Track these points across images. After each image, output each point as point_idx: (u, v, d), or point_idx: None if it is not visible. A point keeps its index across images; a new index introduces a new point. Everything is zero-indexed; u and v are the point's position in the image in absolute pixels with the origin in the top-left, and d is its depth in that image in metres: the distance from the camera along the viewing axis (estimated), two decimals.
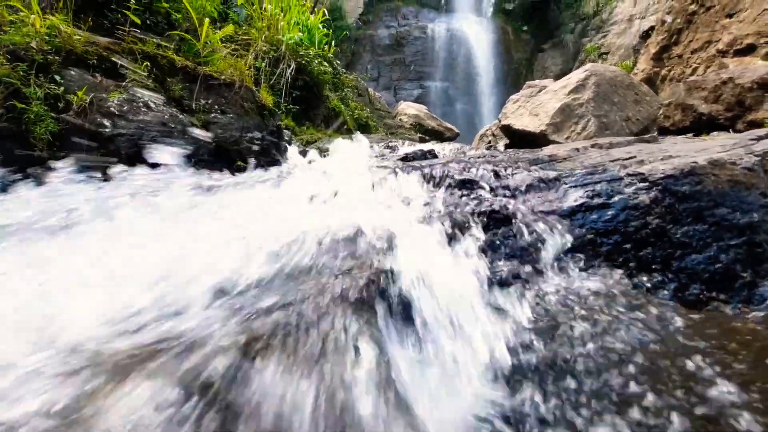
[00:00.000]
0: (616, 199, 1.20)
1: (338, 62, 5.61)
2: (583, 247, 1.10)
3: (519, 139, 4.47)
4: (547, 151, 2.29)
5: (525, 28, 14.35)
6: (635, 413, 0.61)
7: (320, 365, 0.64)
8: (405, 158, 2.77)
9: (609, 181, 1.29)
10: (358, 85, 6.47)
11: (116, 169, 1.66)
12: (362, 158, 2.68)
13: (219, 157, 2.21)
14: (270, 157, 2.56)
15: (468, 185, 1.54)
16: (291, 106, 3.86)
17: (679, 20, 5.64)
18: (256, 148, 2.46)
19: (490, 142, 5.80)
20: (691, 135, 3.33)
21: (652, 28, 7.53)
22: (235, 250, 1.10)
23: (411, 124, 6.88)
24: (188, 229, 1.39)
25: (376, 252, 0.99)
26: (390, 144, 3.88)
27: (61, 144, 1.66)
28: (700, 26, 5.36)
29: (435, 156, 2.87)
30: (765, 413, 0.57)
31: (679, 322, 0.80)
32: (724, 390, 0.60)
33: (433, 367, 0.80)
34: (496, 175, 1.57)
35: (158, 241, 1.26)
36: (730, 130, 3.29)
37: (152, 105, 2.00)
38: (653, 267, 1.06)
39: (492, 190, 1.48)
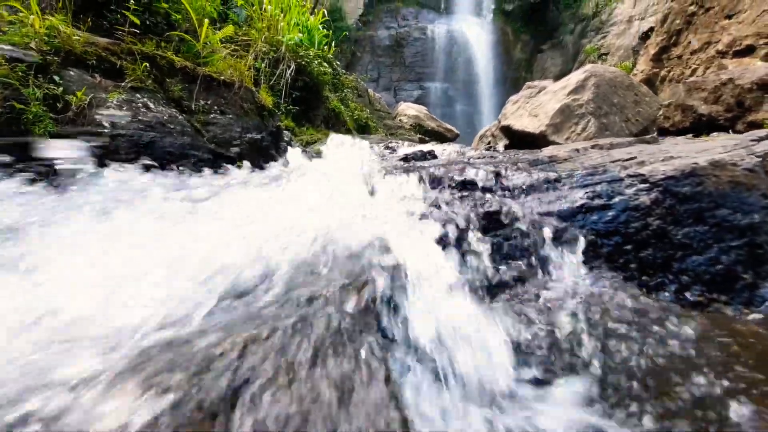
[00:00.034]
0: (616, 200, 1.19)
1: (338, 63, 5.61)
2: (584, 248, 1.10)
3: (519, 139, 4.47)
4: (547, 151, 2.29)
5: (524, 29, 14.37)
6: (637, 417, 0.61)
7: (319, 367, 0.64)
8: (405, 159, 2.77)
9: (609, 182, 1.28)
10: (358, 85, 6.47)
11: (116, 169, 1.65)
12: (362, 159, 2.67)
13: (219, 157, 2.20)
14: (270, 157, 2.55)
15: (468, 186, 1.54)
16: (291, 106, 3.86)
17: (678, 21, 5.65)
18: (255, 148, 2.46)
19: (489, 142, 5.80)
20: (690, 136, 3.33)
21: (651, 29, 7.55)
22: (235, 250, 1.10)
23: (411, 125, 6.88)
24: (188, 229, 1.39)
25: (375, 253, 0.99)
26: (390, 145, 3.88)
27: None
28: (699, 27, 5.37)
29: (435, 157, 2.87)
30: None
31: (680, 324, 0.80)
32: (727, 392, 0.60)
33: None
34: (497, 176, 1.57)
35: (158, 241, 1.26)
36: (730, 130, 3.29)
37: (152, 105, 1.99)
38: (654, 268, 1.06)
39: (492, 191, 1.48)
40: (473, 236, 1.13)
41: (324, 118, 4.40)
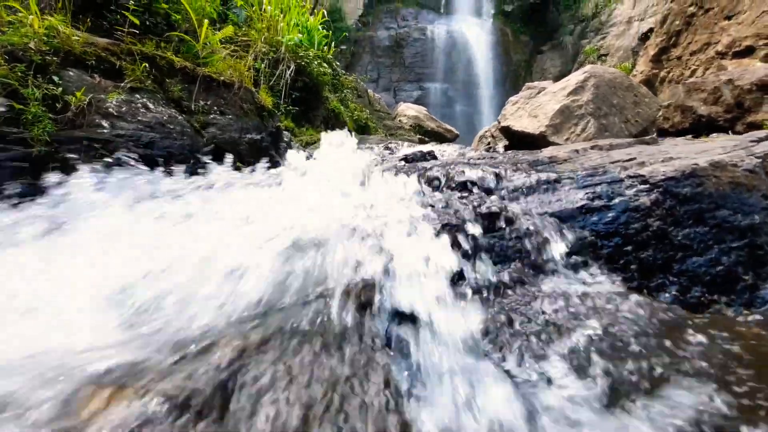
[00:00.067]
0: (616, 201, 1.19)
1: (338, 63, 5.61)
2: (584, 249, 1.10)
3: (518, 140, 4.47)
4: (547, 152, 2.29)
5: (524, 29, 14.38)
6: (638, 422, 0.61)
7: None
8: (405, 159, 2.77)
9: (609, 183, 1.28)
10: (358, 86, 6.47)
11: (115, 171, 1.65)
12: (362, 160, 2.67)
13: (218, 157, 2.20)
14: (269, 158, 2.55)
15: (468, 187, 1.54)
16: (290, 107, 3.86)
17: (678, 22, 5.66)
18: (255, 149, 2.45)
19: (489, 143, 5.80)
20: (690, 136, 3.33)
21: (651, 29, 7.56)
22: (235, 250, 1.10)
23: (410, 126, 6.88)
24: (189, 229, 1.39)
25: (374, 256, 0.98)
26: (389, 145, 3.88)
27: (59, 145, 1.65)
28: (699, 28, 5.37)
29: (434, 157, 2.87)
30: None
31: (681, 326, 0.79)
32: (731, 398, 0.59)
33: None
34: (496, 176, 1.56)
35: (158, 241, 1.26)
36: (730, 131, 3.29)
37: (151, 106, 1.99)
38: (654, 269, 1.06)
39: (492, 191, 1.48)
40: (473, 237, 1.12)
41: (324, 119, 4.39)
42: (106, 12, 2.27)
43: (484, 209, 1.19)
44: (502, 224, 1.16)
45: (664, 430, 0.58)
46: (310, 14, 4.84)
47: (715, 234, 1.08)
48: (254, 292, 0.90)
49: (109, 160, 1.67)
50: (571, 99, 4.18)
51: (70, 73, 1.81)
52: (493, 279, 0.99)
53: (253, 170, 2.29)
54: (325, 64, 4.57)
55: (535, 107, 4.47)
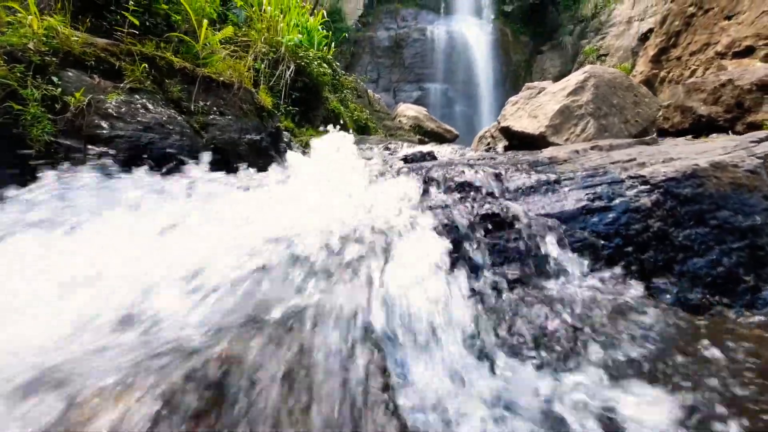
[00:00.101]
0: (617, 201, 1.19)
1: (338, 64, 5.61)
2: (585, 250, 1.09)
3: (518, 140, 4.46)
4: (547, 153, 2.28)
5: (524, 30, 14.39)
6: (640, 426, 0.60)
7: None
8: (404, 160, 2.76)
9: (610, 183, 1.28)
10: (358, 86, 6.47)
11: (113, 171, 1.65)
12: (362, 160, 2.67)
13: (218, 158, 2.20)
14: (269, 158, 2.55)
15: (468, 188, 1.53)
16: (290, 107, 3.86)
17: (677, 22, 5.66)
18: (255, 149, 2.45)
19: (489, 143, 5.80)
20: (690, 137, 3.33)
21: (650, 30, 7.56)
22: (237, 251, 1.10)
23: (410, 126, 6.88)
24: (190, 230, 1.39)
25: (373, 258, 0.98)
26: (389, 145, 3.88)
27: (58, 146, 1.65)
28: (698, 28, 5.37)
29: (434, 158, 2.87)
30: None
31: (682, 327, 0.79)
32: (731, 401, 0.59)
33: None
34: (496, 177, 1.56)
35: (158, 242, 1.25)
36: (730, 131, 3.29)
37: (150, 106, 1.99)
38: (655, 270, 1.05)
39: (492, 192, 1.47)
40: (472, 238, 1.12)
41: (324, 119, 4.39)
42: (106, 12, 2.27)
43: (484, 211, 1.18)
44: (502, 225, 1.16)
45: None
46: (310, 15, 4.84)
47: (716, 235, 1.07)
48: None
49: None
50: (570, 99, 4.18)
51: (70, 73, 1.80)
52: (494, 280, 0.98)
53: (253, 170, 2.29)
54: (325, 65, 4.57)
55: (534, 107, 4.46)
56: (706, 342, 0.72)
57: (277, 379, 0.63)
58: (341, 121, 4.55)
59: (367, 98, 6.61)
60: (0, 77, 1.56)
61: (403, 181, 1.64)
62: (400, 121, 7.01)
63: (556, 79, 6.95)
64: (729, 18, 5.07)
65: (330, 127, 2.63)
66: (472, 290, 0.97)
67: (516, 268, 1.00)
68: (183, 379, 0.59)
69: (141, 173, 1.69)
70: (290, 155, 2.69)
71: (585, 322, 0.83)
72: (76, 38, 1.88)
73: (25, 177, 1.51)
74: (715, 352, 0.70)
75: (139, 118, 1.89)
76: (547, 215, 1.25)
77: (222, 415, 0.58)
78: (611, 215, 1.16)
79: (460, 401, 0.71)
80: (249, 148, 2.43)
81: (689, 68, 5.47)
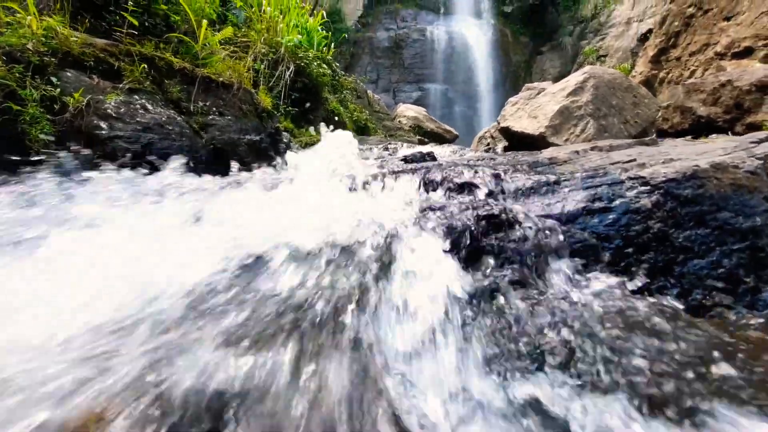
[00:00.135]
0: (617, 202, 1.19)
1: (337, 64, 5.61)
2: (585, 251, 1.09)
3: (518, 141, 4.47)
4: (547, 153, 2.28)
5: (523, 30, 14.41)
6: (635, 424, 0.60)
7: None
8: (404, 160, 2.76)
9: (610, 184, 1.28)
10: (357, 87, 6.47)
11: (111, 172, 1.64)
12: (361, 161, 2.67)
13: (217, 159, 2.19)
14: (269, 158, 2.54)
15: (467, 188, 1.53)
16: (290, 108, 3.86)
17: (677, 23, 5.67)
18: (254, 150, 2.45)
19: (488, 144, 5.80)
20: (689, 137, 3.33)
21: (650, 30, 7.57)
22: (238, 251, 1.10)
23: (410, 126, 6.88)
24: (191, 231, 1.38)
25: (372, 259, 0.98)
26: (389, 146, 3.88)
27: (56, 146, 1.65)
28: (698, 29, 5.38)
29: (434, 158, 2.86)
30: None
31: (683, 329, 0.79)
32: (734, 406, 0.59)
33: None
34: (496, 178, 1.56)
35: (158, 242, 1.25)
36: (729, 132, 3.29)
37: (150, 107, 1.98)
38: (655, 272, 1.05)
39: (491, 193, 1.47)
40: (471, 240, 1.12)
41: (323, 120, 4.39)
42: (105, 13, 2.27)
43: (483, 212, 1.18)
44: (502, 226, 1.16)
45: None
46: (310, 15, 4.84)
47: (717, 236, 1.07)
48: None
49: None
50: (570, 100, 4.18)
51: (68, 74, 1.80)
52: (494, 282, 0.98)
53: (252, 171, 2.29)
54: (324, 65, 4.56)
55: (534, 108, 4.46)
56: (706, 345, 0.72)
57: None
58: (339, 121, 4.55)
59: (366, 99, 6.61)
60: None
61: (402, 181, 1.63)
62: (399, 121, 7.01)
63: (556, 79, 6.95)
64: (728, 19, 5.07)
65: (327, 126, 2.63)
66: (471, 292, 0.96)
67: (516, 269, 1.00)
68: None
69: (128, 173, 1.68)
70: (289, 155, 2.69)
71: (584, 324, 0.83)
72: (75, 39, 1.88)
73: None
74: (715, 355, 0.69)
75: (138, 119, 1.89)
76: (547, 216, 1.24)
77: None
78: (611, 216, 1.16)
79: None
80: (248, 149, 2.42)
81: (688, 69, 5.48)
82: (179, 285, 0.92)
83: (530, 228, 1.10)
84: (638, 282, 1.03)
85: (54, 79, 1.72)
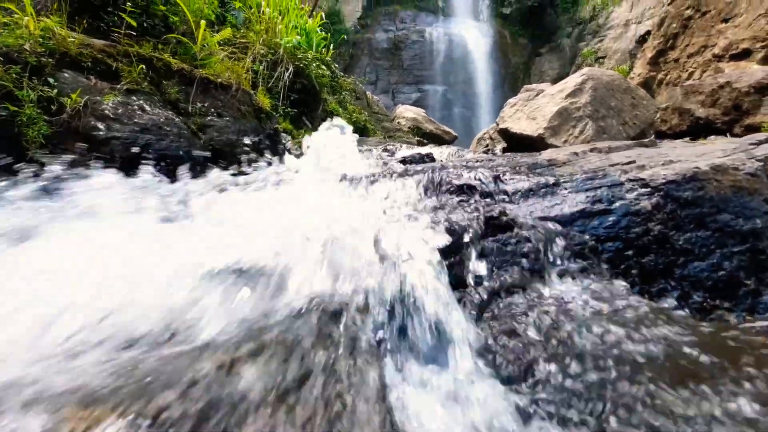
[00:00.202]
0: (617, 204, 1.18)
1: (336, 66, 5.61)
2: (585, 254, 1.09)
3: (517, 142, 4.47)
4: (546, 155, 2.28)
5: (522, 32, 14.44)
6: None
7: None
8: (403, 161, 2.76)
9: (610, 186, 1.27)
10: (356, 88, 6.46)
11: (108, 173, 1.63)
12: (360, 161, 2.67)
13: (215, 160, 2.19)
14: (267, 160, 2.53)
15: (466, 190, 1.52)
16: (289, 109, 3.85)
17: (675, 25, 5.68)
18: (253, 151, 2.44)
19: (487, 145, 5.80)
20: (688, 139, 3.34)
21: (648, 32, 7.59)
22: (237, 251, 1.09)
23: (409, 128, 6.88)
24: (192, 231, 1.38)
25: (370, 261, 0.97)
26: (388, 147, 3.87)
27: (54, 147, 1.64)
28: (696, 31, 5.40)
29: (433, 159, 2.86)
30: None
31: (683, 332, 0.78)
32: (743, 412, 0.58)
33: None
34: (495, 179, 1.55)
35: (157, 243, 1.24)
36: (728, 134, 3.30)
37: (147, 108, 1.97)
38: (656, 274, 1.04)
39: (491, 195, 1.46)
40: (470, 241, 1.11)
41: (322, 121, 4.37)
42: (103, 14, 2.26)
43: (482, 213, 1.18)
44: (501, 228, 1.15)
45: None
46: (309, 16, 4.83)
47: (717, 238, 1.07)
48: None
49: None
50: (569, 101, 4.18)
51: (66, 74, 1.79)
52: (493, 285, 0.97)
53: (251, 172, 2.28)
54: (323, 66, 4.56)
55: (533, 109, 4.47)
56: (707, 350, 0.71)
57: None
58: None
59: (365, 100, 6.61)
60: None
61: (401, 183, 1.63)
62: (398, 122, 7.01)
63: (555, 81, 6.96)
64: (726, 21, 5.09)
65: (325, 124, 2.63)
66: (471, 293, 0.96)
67: (515, 272, 0.99)
68: None
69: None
70: (288, 156, 2.68)
71: (583, 327, 0.82)
72: (73, 39, 1.87)
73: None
74: (716, 361, 0.69)
75: (136, 120, 1.88)
76: (547, 218, 1.24)
77: None
78: (611, 218, 1.15)
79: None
80: (247, 150, 2.41)
81: (687, 70, 5.49)
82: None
83: (529, 230, 1.10)
84: (638, 284, 1.02)
85: (51, 80, 1.71)
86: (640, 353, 0.72)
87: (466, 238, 1.12)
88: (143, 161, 1.78)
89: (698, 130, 3.46)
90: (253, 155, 2.41)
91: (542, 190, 1.41)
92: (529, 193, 1.42)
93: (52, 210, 1.36)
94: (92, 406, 0.55)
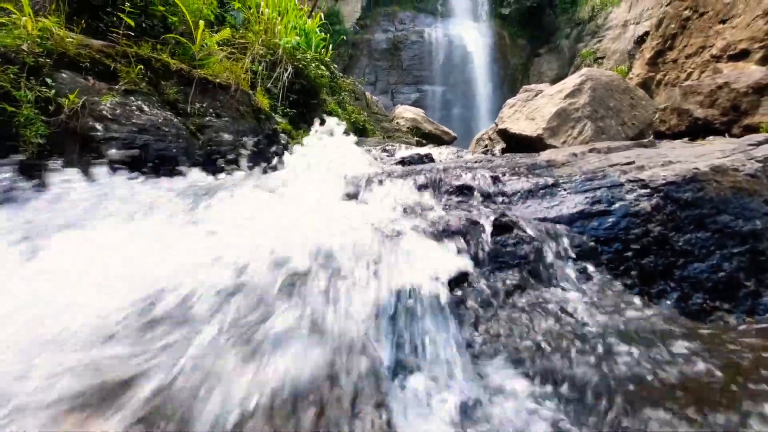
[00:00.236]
0: (616, 205, 1.18)
1: (335, 66, 5.60)
2: (584, 255, 1.08)
3: (516, 143, 4.47)
4: (545, 155, 2.28)
5: (521, 33, 14.46)
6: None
7: None
8: (402, 162, 2.76)
9: (609, 187, 1.27)
10: (356, 89, 6.46)
11: (105, 174, 1.63)
12: (360, 162, 2.66)
13: (214, 160, 2.18)
14: (266, 160, 2.53)
15: (466, 191, 1.52)
16: (288, 109, 3.84)
17: (673, 26, 5.70)
18: (251, 151, 2.43)
19: (486, 146, 5.81)
20: (687, 139, 3.34)
21: (647, 33, 7.60)
22: (238, 252, 1.09)
23: (408, 128, 6.88)
24: (192, 230, 1.38)
25: (368, 263, 0.97)
26: (387, 147, 3.87)
27: (51, 148, 1.63)
28: (694, 32, 5.41)
29: (432, 160, 2.86)
30: None
31: (683, 334, 0.78)
32: (737, 415, 0.57)
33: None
34: (494, 180, 1.55)
35: (158, 242, 1.24)
36: (726, 134, 3.31)
37: (146, 108, 1.97)
38: (655, 275, 1.04)
39: (490, 196, 1.46)
40: (471, 244, 1.11)
41: (321, 121, 4.37)
42: (102, 14, 2.25)
43: (481, 215, 1.17)
44: (501, 230, 1.15)
45: None
46: (308, 17, 4.83)
47: (717, 239, 1.07)
48: None
49: None
50: (568, 102, 4.18)
51: (64, 75, 1.78)
52: (492, 286, 0.97)
53: (250, 172, 2.28)
54: (322, 67, 4.56)
55: (532, 110, 4.47)
56: (707, 352, 0.71)
57: None
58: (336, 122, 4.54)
59: (365, 100, 6.61)
60: None
61: (399, 184, 1.62)
62: (398, 123, 7.01)
63: (553, 81, 6.97)
64: (724, 22, 5.10)
65: (322, 125, 2.63)
66: (470, 296, 0.95)
67: (515, 273, 0.99)
68: None
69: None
70: (287, 157, 2.68)
71: (583, 329, 0.82)
72: (71, 40, 1.86)
73: None
74: (716, 363, 0.68)
75: (134, 120, 1.87)
76: (546, 219, 1.24)
77: None
78: (611, 220, 1.15)
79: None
80: (246, 150, 2.41)
81: (685, 71, 5.50)
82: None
83: (528, 232, 1.09)
84: (638, 286, 1.02)
85: (49, 81, 1.70)
86: (640, 355, 0.71)
87: (465, 240, 1.11)
88: (141, 162, 1.78)
89: (697, 130, 3.47)
90: (252, 156, 2.40)
91: (541, 191, 1.41)
92: (528, 194, 1.41)
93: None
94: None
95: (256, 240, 1.14)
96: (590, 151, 2.24)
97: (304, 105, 4.09)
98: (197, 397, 0.63)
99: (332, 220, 1.27)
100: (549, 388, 0.71)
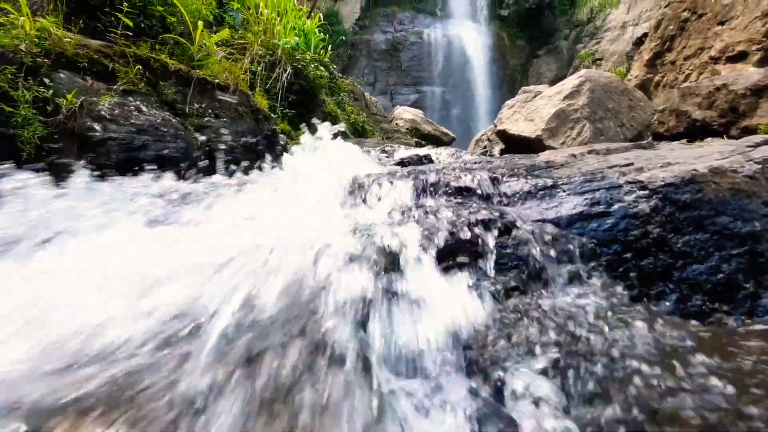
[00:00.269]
0: (615, 207, 1.18)
1: (335, 67, 5.60)
2: (583, 256, 1.08)
3: (514, 144, 4.47)
4: (544, 157, 2.28)
5: (520, 34, 14.49)
6: None
7: None
8: (401, 163, 2.76)
9: (608, 188, 1.27)
10: (355, 89, 6.46)
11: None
12: (359, 163, 2.66)
13: (213, 161, 2.18)
14: (265, 161, 2.53)
15: (464, 192, 1.52)
16: (287, 110, 3.84)
17: (672, 27, 5.71)
18: (251, 152, 2.43)
19: (485, 147, 5.82)
20: (685, 141, 3.35)
21: (645, 34, 7.63)
22: (234, 251, 1.08)
23: (407, 129, 6.88)
24: (192, 230, 1.38)
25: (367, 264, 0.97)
26: (386, 148, 3.87)
27: (49, 148, 1.62)
28: (692, 33, 5.42)
29: (431, 161, 2.86)
30: None
31: (682, 336, 0.78)
32: (737, 417, 0.57)
33: None
34: (493, 181, 1.55)
35: (163, 249, 1.24)
36: (724, 136, 3.32)
37: (144, 109, 1.96)
38: (654, 277, 1.04)
39: (489, 197, 1.46)
40: (469, 245, 1.11)
41: (321, 122, 4.37)
42: (100, 14, 2.25)
43: (480, 216, 1.17)
44: (499, 231, 1.15)
45: None
46: (307, 17, 4.83)
47: (716, 241, 1.07)
48: None
49: None
50: (566, 103, 4.19)
51: (62, 75, 1.78)
52: (491, 288, 0.97)
53: (249, 173, 2.28)
54: (321, 67, 4.56)
55: (531, 111, 4.47)
56: (707, 354, 0.71)
57: None
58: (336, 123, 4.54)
59: (364, 101, 6.61)
60: None
61: (398, 185, 1.62)
62: (397, 124, 7.01)
63: (552, 83, 6.99)
64: (722, 23, 5.12)
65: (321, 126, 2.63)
66: (466, 300, 0.95)
67: (513, 275, 0.99)
68: None
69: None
70: (286, 157, 2.68)
71: (582, 331, 0.81)
72: (69, 39, 1.86)
73: None
74: (715, 365, 0.68)
75: (132, 121, 1.87)
76: (545, 221, 1.24)
77: None
78: (610, 221, 1.15)
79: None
80: (245, 151, 2.40)
81: (684, 72, 5.52)
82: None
83: (527, 233, 1.09)
84: (636, 287, 1.02)
85: (47, 81, 1.70)
86: (638, 357, 0.71)
87: (464, 241, 1.11)
88: (140, 162, 1.77)
89: (695, 132, 3.48)
90: (251, 156, 2.40)
91: (540, 192, 1.41)
92: (527, 196, 1.41)
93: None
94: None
95: (256, 240, 1.14)
96: (589, 152, 2.24)
97: (303, 105, 4.09)
98: None
99: (329, 222, 1.27)
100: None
